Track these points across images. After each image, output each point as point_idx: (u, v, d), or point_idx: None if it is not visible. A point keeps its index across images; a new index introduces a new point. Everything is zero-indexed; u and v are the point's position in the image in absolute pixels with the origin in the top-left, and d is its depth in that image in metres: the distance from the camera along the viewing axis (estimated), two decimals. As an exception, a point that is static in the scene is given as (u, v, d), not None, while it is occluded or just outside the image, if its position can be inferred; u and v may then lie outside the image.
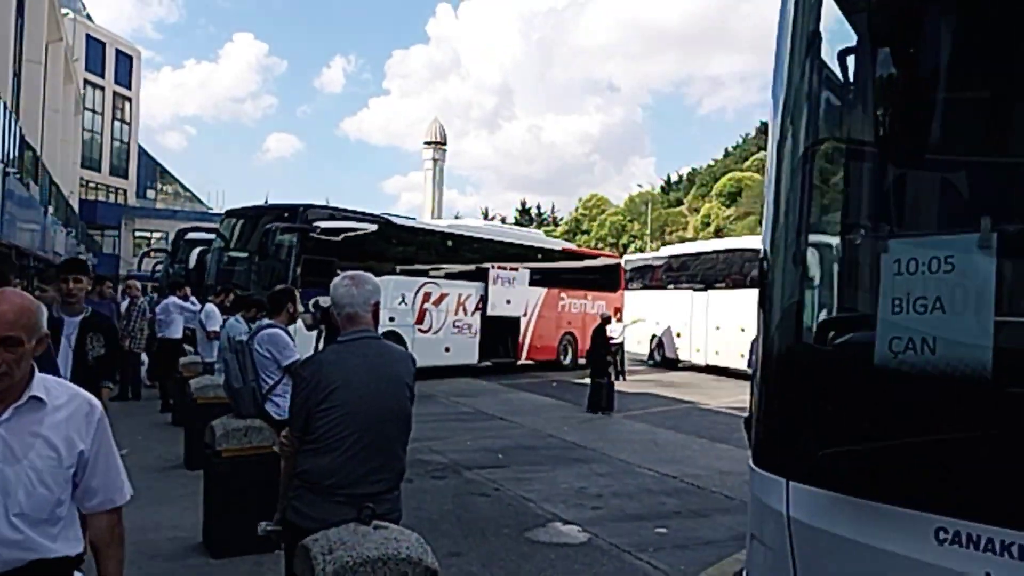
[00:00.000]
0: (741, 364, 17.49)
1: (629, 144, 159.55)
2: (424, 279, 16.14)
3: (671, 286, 20.88)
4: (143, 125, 52.47)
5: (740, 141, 76.62)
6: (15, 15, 21.66)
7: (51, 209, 20.88)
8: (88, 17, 47.00)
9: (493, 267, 17.60)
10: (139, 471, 7.07)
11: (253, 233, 14.48)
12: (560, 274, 20.02)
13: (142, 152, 52.59)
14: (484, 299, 17.47)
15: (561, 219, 78.32)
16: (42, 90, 27.63)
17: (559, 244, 21.54)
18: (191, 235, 18.05)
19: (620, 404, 13.45)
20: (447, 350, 16.66)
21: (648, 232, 55.08)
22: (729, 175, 61.81)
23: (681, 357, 20.09)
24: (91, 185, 45.59)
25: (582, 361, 20.65)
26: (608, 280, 21.48)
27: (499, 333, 18.05)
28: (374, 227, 15.31)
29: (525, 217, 77.78)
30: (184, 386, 8.85)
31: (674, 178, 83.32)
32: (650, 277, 22.18)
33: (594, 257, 22.56)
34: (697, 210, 63.43)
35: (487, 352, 17.83)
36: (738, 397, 15.14)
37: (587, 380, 17.54)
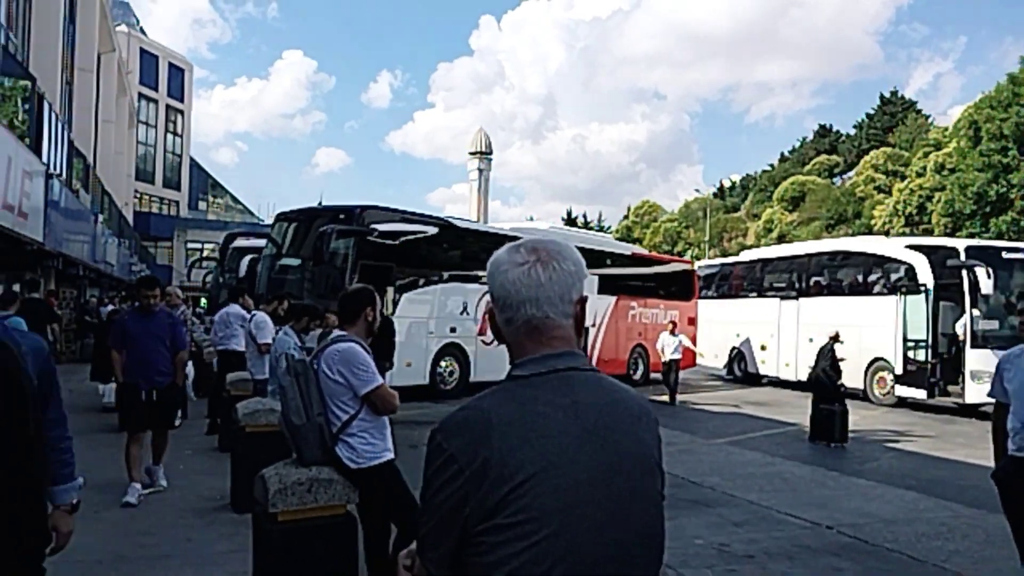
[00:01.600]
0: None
1: (676, 152, 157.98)
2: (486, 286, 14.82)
3: (754, 294, 19.16)
4: (196, 142, 52.93)
5: (797, 145, 74.19)
6: (64, 20, 21.17)
7: (102, 218, 20.25)
8: (142, 31, 47.33)
9: (561, 274, 16.22)
10: (177, 513, 5.87)
11: (307, 237, 13.41)
12: (630, 281, 18.59)
13: (194, 164, 52.73)
14: (551, 308, 16.08)
15: (609, 228, 76.66)
16: (95, 100, 27.33)
17: (629, 248, 20.05)
18: (240, 242, 17.08)
19: (713, 427, 11.94)
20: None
21: (706, 239, 53.05)
22: (791, 179, 59.34)
23: (765, 372, 18.34)
24: (145, 197, 45.70)
25: (654, 376, 19.22)
26: (681, 287, 20.00)
27: (567, 346, 16.61)
28: (434, 230, 14.09)
29: (571, 226, 76.38)
30: (231, 408, 7.72)
31: (727, 184, 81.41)
32: (729, 284, 20.46)
33: (666, 263, 20.99)
34: (757, 216, 61.15)
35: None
36: (841, 417, 13.45)
37: (664, 398, 16.12)
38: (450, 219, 14.81)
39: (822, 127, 70.83)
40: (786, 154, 74.30)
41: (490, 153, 78.43)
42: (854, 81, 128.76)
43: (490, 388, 1.37)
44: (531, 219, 77.87)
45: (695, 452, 9.65)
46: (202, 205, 52.92)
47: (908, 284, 14.07)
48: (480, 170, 74.05)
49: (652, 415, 1.44)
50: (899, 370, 14.14)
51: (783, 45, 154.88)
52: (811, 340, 16.53)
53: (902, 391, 14.21)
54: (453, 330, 14.11)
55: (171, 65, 47.29)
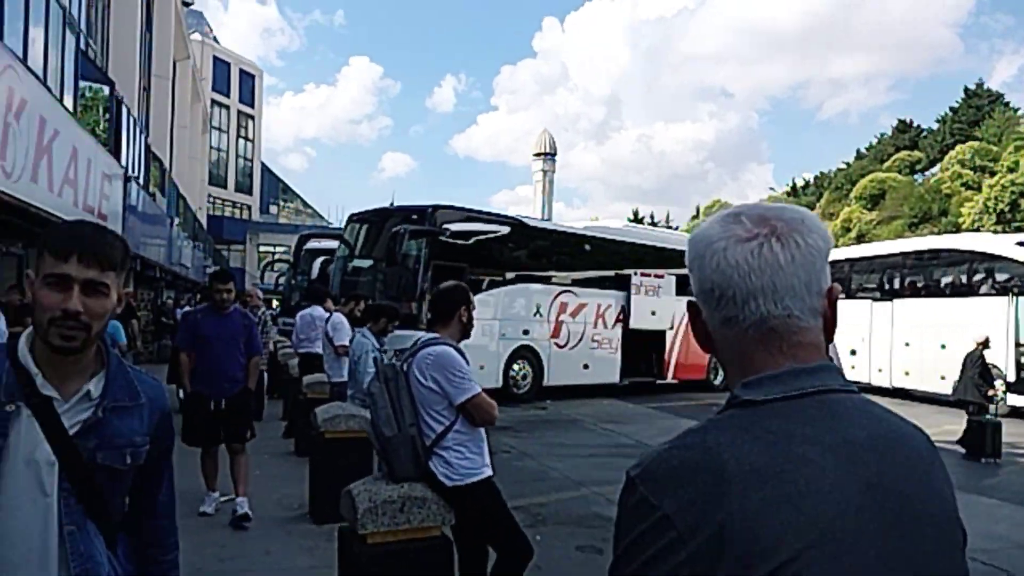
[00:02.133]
0: (943, 387, 14.66)
1: (745, 151, 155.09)
2: (561, 287, 14.42)
3: (842, 295, 18.15)
4: (267, 148, 53.81)
5: (874, 141, 71.21)
6: (141, 28, 21.70)
7: (177, 221, 20.66)
8: (215, 39, 48.66)
9: (636, 274, 15.69)
10: (255, 522, 5.59)
11: (379, 238, 13.25)
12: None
13: (265, 169, 53.91)
14: (626, 310, 15.59)
15: (678, 228, 75.20)
16: (170, 106, 28.04)
17: (705, 248, 19.29)
18: (312, 244, 17.10)
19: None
20: (585, 367, 14.86)
21: (780, 239, 51.19)
22: (870, 176, 56.86)
23: (855, 378, 17.32)
24: (218, 201, 46.91)
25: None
26: (760, 289, 19.17)
27: (641, 349, 16.10)
28: (506, 229, 13.72)
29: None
30: (308, 411, 7.53)
31: (799, 183, 79.13)
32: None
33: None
34: (833, 215, 58.91)
35: (628, 370, 15.91)
36: (943, 427, 12.44)
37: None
38: (522, 218, 14.41)
39: (901, 122, 67.45)
40: (863, 151, 71.48)
41: (554, 154, 78.34)
42: (932, 75, 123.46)
43: (710, 417, 0.94)
44: (596, 219, 77.16)
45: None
46: (273, 209, 54.08)
47: (1021, 284, 12.99)
48: (544, 171, 73.76)
49: (936, 452, 0.98)
50: (1011, 377, 13.06)
51: (856, 39, 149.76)
52: (907, 345, 15.56)
53: (1016, 400, 13.13)
54: (526, 332, 13.71)
55: (242, 71, 48.46)
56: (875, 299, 16.68)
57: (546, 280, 14.21)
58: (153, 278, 18.08)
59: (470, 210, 13.29)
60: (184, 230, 23.13)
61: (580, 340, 14.72)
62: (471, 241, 12.96)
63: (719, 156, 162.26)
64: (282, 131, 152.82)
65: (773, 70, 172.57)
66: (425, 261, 12.14)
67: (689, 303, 1.04)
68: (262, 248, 45.20)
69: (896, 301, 16.06)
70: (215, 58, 45.64)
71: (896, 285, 16.33)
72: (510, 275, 13.59)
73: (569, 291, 14.55)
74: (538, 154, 77.25)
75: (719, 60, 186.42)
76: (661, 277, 16.31)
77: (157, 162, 19.85)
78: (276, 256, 31.67)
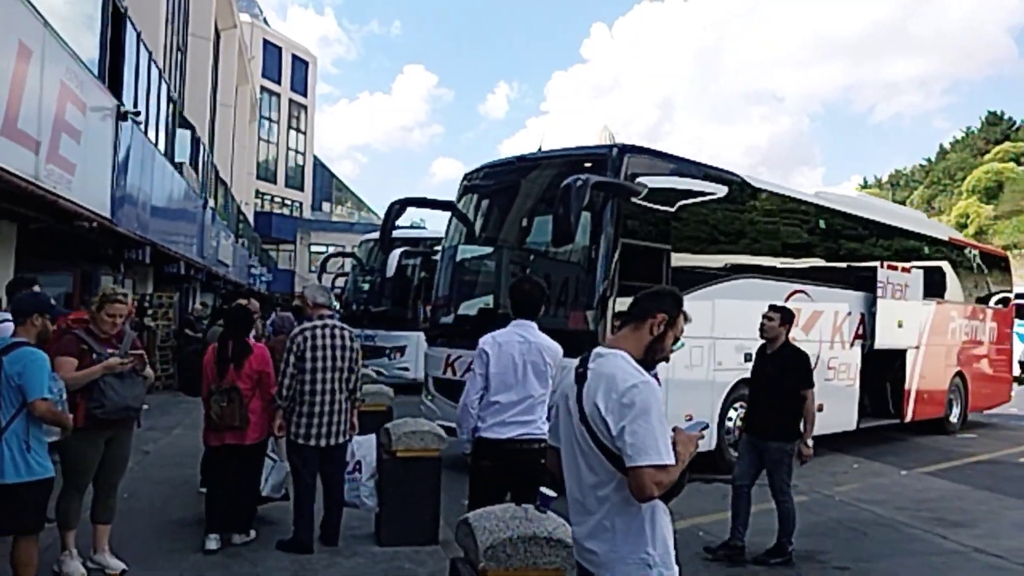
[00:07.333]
0: None
1: (796, 154, 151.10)
2: (793, 285, 9.19)
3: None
4: (319, 152, 48.55)
5: (960, 136, 67.09)
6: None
7: (212, 204, 15.95)
8: (265, 22, 44.45)
9: (882, 267, 10.42)
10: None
11: (515, 208, 8.28)
12: (950, 279, 12.59)
13: (317, 163, 49.54)
14: (866, 320, 10.33)
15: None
16: (211, 78, 23.61)
17: (944, 231, 13.80)
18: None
19: None
20: (819, 408, 9.50)
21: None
22: (983, 168, 51.73)
23: None
24: (266, 197, 42.58)
25: (971, 418, 13.06)
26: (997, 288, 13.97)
27: (879, 376, 10.87)
28: (723, 190, 8.52)
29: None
30: None
31: (871, 181, 75.85)
32: None
33: (984, 252, 14.47)
34: (937, 208, 53.76)
35: (864, 408, 10.63)
36: None
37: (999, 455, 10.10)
38: (743, 176, 9.12)
39: (992, 114, 64.33)
40: (946, 146, 67.40)
41: (618, 151, 73.54)
42: (987, 78, 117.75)
43: None
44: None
45: None
46: (326, 207, 49.56)
47: None
48: (607, 170, 68.65)
49: None
50: None
51: (911, 42, 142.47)
52: None
53: None
54: (749, 358, 8.47)
55: (295, 57, 44.13)
56: None
57: (779, 272, 9.05)
58: (177, 276, 13.33)
59: (669, 156, 8.16)
60: (224, 219, 18.51)
61: (815, 365, 9.43)
62: (675, 207, 7.79)
63: (771, 159, 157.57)
64: (335, 138, 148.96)
65: (825, 73, 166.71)
66: (609, 240, 7.05)
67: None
68: (314, 248, 40.77)
69: None
70: (265, 41, 41.35)
71: None
72: (726, 264, 8.48)
73: (802, 291, 9.31)
74: (599, 152, 72.59)
75: (771, 64, 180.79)
76: (908, 272, 11.02)
77: (189, 129, 15.14)
78: (329, 252, 26.40)
